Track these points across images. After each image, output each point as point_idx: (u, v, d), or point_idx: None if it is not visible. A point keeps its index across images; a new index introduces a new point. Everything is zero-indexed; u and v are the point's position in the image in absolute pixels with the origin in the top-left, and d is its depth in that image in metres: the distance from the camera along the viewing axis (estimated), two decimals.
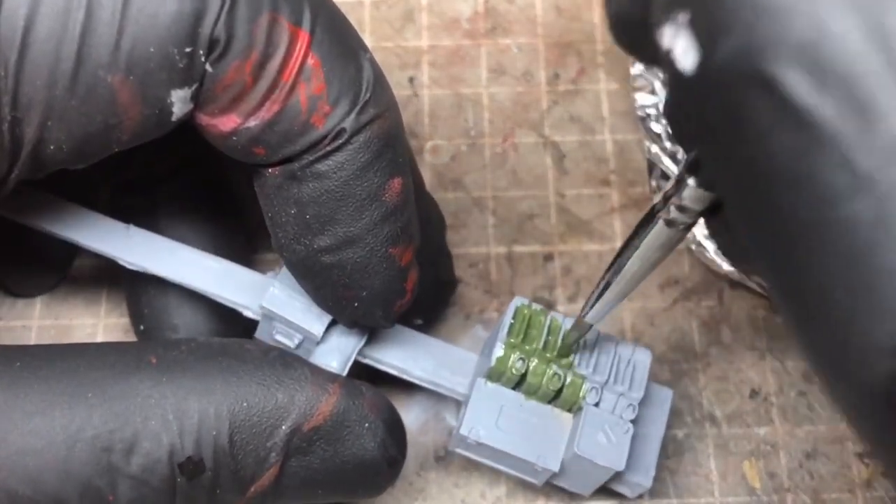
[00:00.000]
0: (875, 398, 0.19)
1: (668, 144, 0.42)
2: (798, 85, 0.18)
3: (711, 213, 0.27)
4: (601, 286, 0.32)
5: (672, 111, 0.23)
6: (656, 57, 0.22)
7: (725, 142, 0.20)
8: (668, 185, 0.28)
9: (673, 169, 0.42)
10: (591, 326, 0.33)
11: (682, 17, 0.20)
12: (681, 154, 0.42)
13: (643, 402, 0.35)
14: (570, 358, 0.35)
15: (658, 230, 0.28)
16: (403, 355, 0.36)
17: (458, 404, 0.38)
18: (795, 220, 0.19)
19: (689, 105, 0.21)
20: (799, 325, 0.20)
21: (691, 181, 0.26)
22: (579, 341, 0.35)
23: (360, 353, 0.35)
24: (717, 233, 0.28)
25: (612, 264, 0.31)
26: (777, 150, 0.19)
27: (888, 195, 0.18)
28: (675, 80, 0.21)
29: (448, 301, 0.42)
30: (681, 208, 0.27)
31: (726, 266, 0.41)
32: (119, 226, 0.35)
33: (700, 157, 0.25)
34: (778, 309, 0.21)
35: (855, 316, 0.18)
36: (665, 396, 0.37)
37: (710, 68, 0.20)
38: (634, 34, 0.23)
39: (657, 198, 0.28)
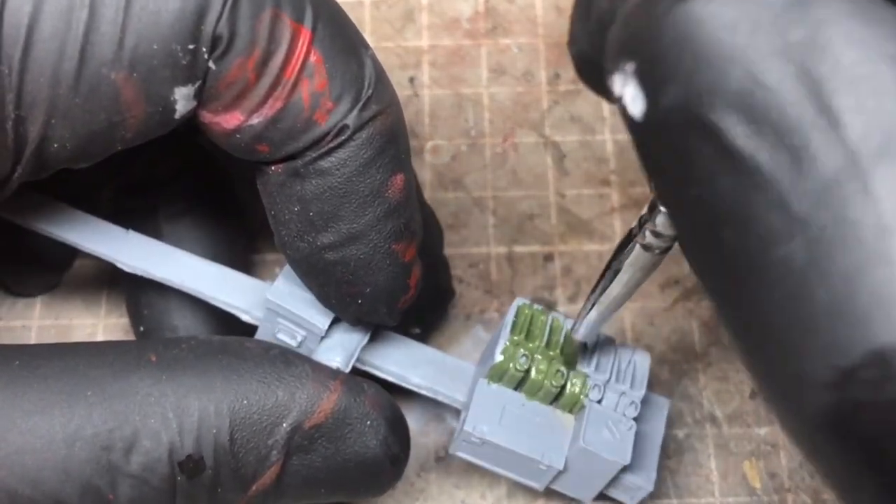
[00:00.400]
0: (816, 428, 0.19)
1: None
2: (736, 131, 0.19)
3: None
4: (588, 307, 0.32)
5: (634, 147, 0.24)
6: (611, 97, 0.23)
7: (674, 182, 0.21)
8: (643, 211, 0.28)
9: None
10: (582, 343, 0.34)
11: (629, 66, 0.21)
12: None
13: (642, 413, 0.35)
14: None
15: (636, 254, 0.29)
16: (402, 363, 0.36)
17: (458, 409, 0.38)
18: (738, 258, 0.20)
19: (639, 147, 0.22)
20: (747, 358, 0.21)
21: (662, 208, 0.27)
22: (578, 352, 0.35)
23: (359, 360, 0.35)
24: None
25: (595, 286, 0.32)
26: (720, 192, 0.20)
27: (819, 237, 0.18)
28: (627, 124, 0.22)
29: (446, 310, 0.42)
30: (655, 233, 0.28)
31: None
32: (118, 230, 0.35)
33: (654, 192, 0.26)
34: (729, 340, 0.22)
35: (795, 351, 0.19)
36: (662, 404, 0.37)
37: (656, 114, 0.21)
38: (594, 75, 0.24)
39: (634, 223, 0.29)
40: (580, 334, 0.33)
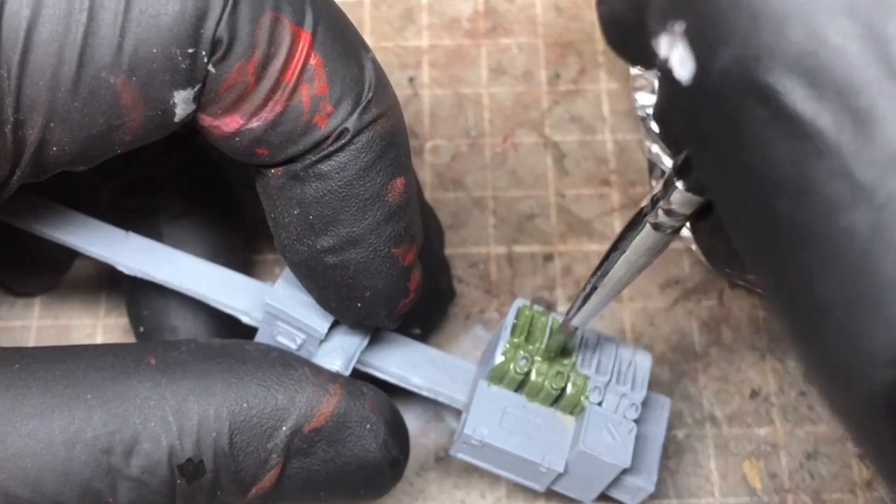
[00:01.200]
0: (874, 408, 0.19)
1: None
2: (796, 95, 0.18)
3: (698, 218, 0.27)
4: (587, 290, 0.31)
5: (664, 115, 0.23)
6: (649, 60, 0.22)
7: (722, 150, 0.20)
8: (657, 188, 0.27)
9: None
10: (576, 330, 0.33)
11: (679, 27, 0.20)
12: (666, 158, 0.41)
13: (643, 413, 0.35)
14: (573, 358, 0.35)
15: (645, 234, 0.28)
16: (402, 364, 0.36)
17: (458, 410, 0.38)
18: (793, 229, 0.19)
19: (684, 112, 0.21)
20: (797, 334, 0.20)
21: (679, 184, 0.26)
22: (568, 344, 0.35)
23: (359, 361, 0.35)
24: (702, 237, 0.28)
25: (598, 268, 0.31)
26: (775, 160, 0.19)
27: (886, 206, 0.18)
28: (671, 88, 0.21)
29: (446, 310, 0.42)
30: (668, 212, 0.27)
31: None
32: (118, 232, 0.35)
33: (694, 162, 0.25)
34: (775, 315, 0.21)
35: (854, 326, 0.18)
36: (663, 404, 0.37)
37: (707, 78, 0.20)
38: (627, 37, 0.23)
39: (645, 201, 0.28)
40: (576, 320, 0.32)
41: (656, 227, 0.28)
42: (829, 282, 0.18)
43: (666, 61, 0.21)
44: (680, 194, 0.26)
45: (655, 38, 0.21)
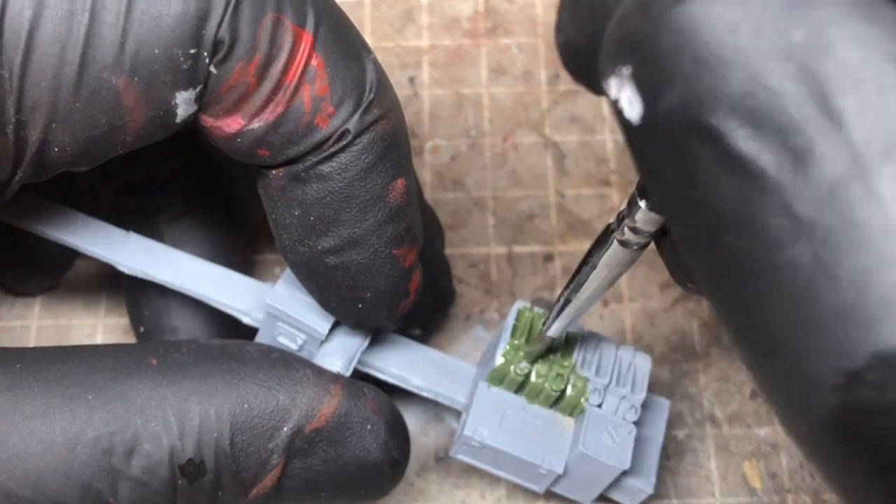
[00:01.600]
0: (822, 432, 0.19)
1: None
2: (738, 135, 0.19)
3: (662, 234, 0.28)
4: (560, 302, 0.32)
5: (626, 147, 0.24)
6: (603, 94, 0.22)
7: (672, 186, 0.21)
8: (622, 207, 0.28)
9: None
10: (553, 340, 0.34)
11: (626, 70, 0.21)
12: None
13: (642, 416, 0.35)
14: (573, 360, 0.35)
15: (613, 250, 0.29)
16: (403, 365, 0.36)
17: (458, 411, 0.38)
18: (741, 262, 0.20)
19: (636, 150, 0.22)
20: (750, 361, 0.21)
21: (642, 204, 0.27)
22: (544, 349, 0.35)
23: (360, 362, 0.35)
24: (666, 253, 0.29)
25: (570, 281, 0.31)
26: (721, 196, 0.19)
27: (825, 239, 0.18)
28: (623, 127, 0.21)
29: (446, 312, 0.42)
30: (634, 229, 0.28)
31: None
32: (119, 232, 0.35)
33: (649, 194, 0.26)
34: (729, 340, 0.22)
35: (801, 354, 0.19)
36: (662, 406, 0.37)
37: (654, 119, 0.20)
38: (582, 65, 0.24)
39: (612, 217, 0.29)
40: (552, 331, 0.33)
41: (623, 243, 0.29)
42: (774, 312, 0.19)
43: (616, 102, 0.21)
44: (643, 213, 0.27)
45: (605, 80, 0.22)
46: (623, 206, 0.28)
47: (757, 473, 0.40)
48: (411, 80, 0.46)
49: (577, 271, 0.31)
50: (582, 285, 0.31)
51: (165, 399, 0.29)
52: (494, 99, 0.46)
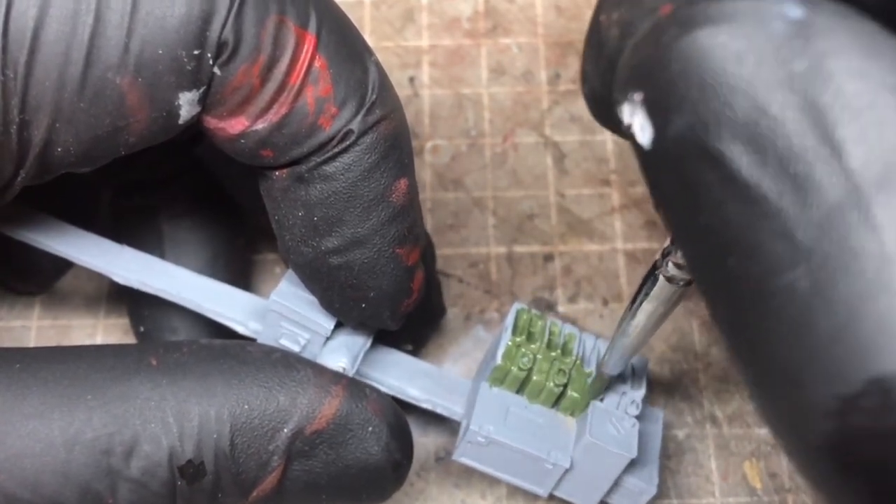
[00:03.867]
0: (818, 455, 0.19)
1: None
2: (742, 161, 0.19)
3: None
4: (617, 337, 0.33)
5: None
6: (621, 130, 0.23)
7: (681, 210, 0.21)
8: (666, 243, 0.29)
9: None
10: (611, 377, 0.34)
11: (637, 96, 0.21)
12: None
13: (639, 417, 0.35)
14: (573, 357, 0.35)
15: (660, 286, 0.29)
16: (401, 376, 0.36)
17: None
18: (744, 286, 0.20)
19: (648, 176, 0.22)
20: (751, 386, 0.21)
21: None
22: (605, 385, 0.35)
23: (359, 373, 0.35)
24: None
25: (622, 319, 0.32)
26: (726, 221, 0.20)
27: (822, 265, 0.18)
28: (637, 153, 0.22)
29: (436, 327, 0.42)
30: (677, 265, 0.28)
31: None
32: (113, 245, 0.35)
33: (662, 220, 0.27)
34: (732, 364, 0.23)
35: (798, 378, 0.19)
36: (658, 416, 0.37)
37: (663, 144, 0.21)
38: (605, 111, 0.25)
39: (658, 255, 0.29)
40: (609, 367, 0.34)
41: (669, 279, 0.29)
42: (773, 336, 0.19)
43: (629, 128, 0.22)
44: None
45: (619, 107, 0.22)
46: (667, 243, 0.28)
47: (757, 473, 0.40)
48: (411, 80, 0.46)
49: (628, 309, 0.31)
50: (633, 320, 0.31)
51: (165, 400, 0.29)
52: (494, 99, 0.46)
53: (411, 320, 0.34)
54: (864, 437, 0.18)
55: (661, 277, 0.29)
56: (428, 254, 0.40)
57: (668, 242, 0.28)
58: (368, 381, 0.35)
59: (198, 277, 0.35)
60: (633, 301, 0.31)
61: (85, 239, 0.35)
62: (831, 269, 0.18)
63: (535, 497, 0.39)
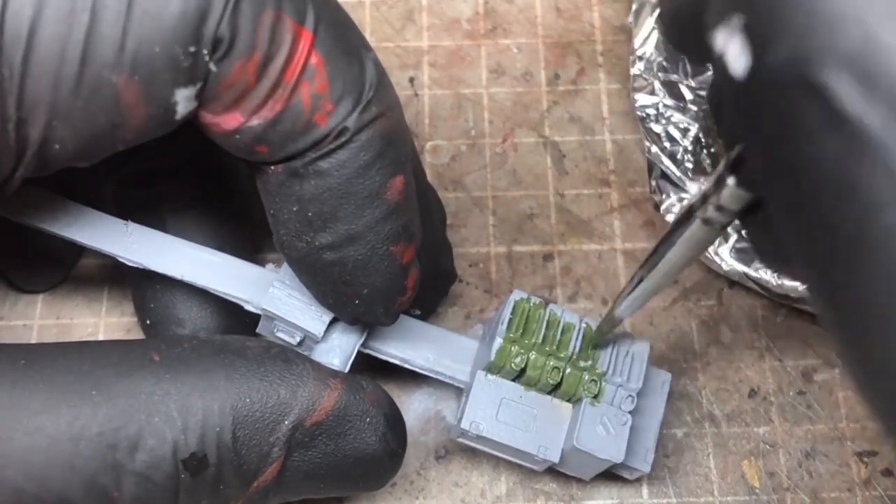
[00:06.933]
0: None
1: (667, 145, 0.42)
2: (847, 93, 0.18)
3: (748, 214, 0.27)
4: (634, 281, 0.32)
5: (719, 110, 0.23)
6: (706, 56, 0.22)
7: (774, 145, 0.20)
8: (708, 184, 0.27)
9: (673, 169, 0.42)
10: (621, 321, 0.34)
11: (737, 21, 0.20)
12: (697, 158, 0.42)
13: (642, 389, 0.36)
14: (569, 351, 0.35)
15: (694, 228, 0.28)
16: (404, 345, 0.36)
17: (458, 398, 0.39)
18: (840, 226, 0.19)
19: (737, 107, 0.21)
20: (842, 334, 0.20)
21: (731, 180, 0.26)
22: (609, 332, 0.35)
23: (361, 343, 0.35)
24: (753, 233, 0.28)
25: (646, 261, 0.31)
26: (825, 157, 0.19)
27: None
28: (726, 83, 0.21)
29: (447, 292, 0.42)
30: (719, 207, 0.27)
31: (726, 266, 0.41)
32: (118, 223, 0.35)
33: (746, 156, 0.25)
34: (819, 315, 0.22)
35: None
36: (664, 379, 0.37)
37: (761, 73, 0.20)
38: (686, 31, 0.24)
39: (694, 198, 0.28)
40: (621, 310, 0.33)
41: (706, 221, 0.28)
42: (872, 280, 0.19)
43: (722, 55, 0.21)
44: (731, 189, 0.26)
45: (712, 32, 0.21)
46: (708, 185, 0.27)
47: (755, 472, 0.40)
48: (411, 80, 0.47)
49: (655, 250, 0.30)
50: (657, 264, 0.30)
51: (168, 394, 0.29)
52: (494, 99, 0.46)
53: (421, 285, 0.34)
54: None
55: (697, 220, 0.28)
56: (437, 217, 0.40)
57: (708, 185, 0.27)
58: (371, 352, 0.36)
59: (205, 252, 0.35)
60: (662, 242, 0.30)
61: (89, 217, 0.35)
62: None
63: (535, 495, 0.39)
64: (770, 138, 0.20)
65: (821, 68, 0.19)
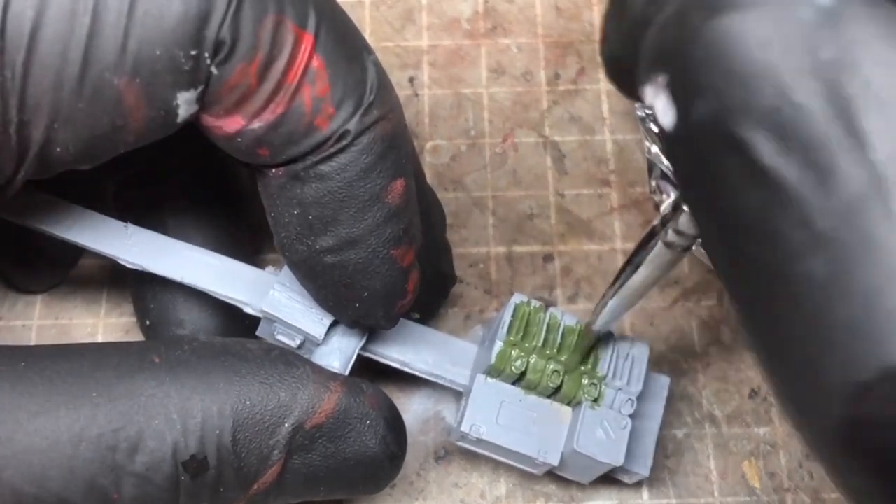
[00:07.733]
0: (831, 439, 0.20)
1: None
2: (764, 148, 0.19)
3: None
4: (607, 299, 0.33)
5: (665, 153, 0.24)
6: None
7: (703, 194, 0.21)
8: (666, 210, 0.29)
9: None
10: (598, 334, 0.35)
11: (662, 79, 0.21)
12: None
13: (641, 393, 0.36)
14: (570, 354, 0.36)
15: (657, 251, 0.30)
16: (404, 349, 0.36)
17: (458, 400, 0.39)
18: (763, 271, 0.20)
19: (669, 156, 0.22)
20: (767, 368, 0.21)
21: (686, 208, 0.27)
22: (592, 347, 0.36)
23: (361, 346, 0.35)
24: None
25: (614, 282, 0.32)
26: (746, 206, 0.20)
27: (841, 254, 0.19)
28: (660, 133, 0.22)
29: (447, 295, 0.42)
30: (678, 232, 0.28)
31: None
32: (118, 225, 0.35)
33: (681, 199, 0.27)
34: (748, 345, 0.23)
35: (814, 364, 0.19)
36: (663, 384, 0.38)
37: (686, 127, 0.21)
38: (624, 77, 0.25)
39: (657, 220, 0.29)
40: (597, 325, 0.34)
41: (667, 245, 0.29)
42: (791, 322, 0.20)
43: (651, 109, 0.22)
44: (688, 216, 0.28)
45: (642, 87, 0.22)
46: (667, 209, 0.29)
47: (756, 473, 0.40)
48: (411, 80, 0.47)
49: (622, 270, 0.31)
50: (625, 284, 0.31)
51: (168, 396, 0.29)
52: (494, 99, 0.46)
53: (421, 287, 0.34)
54: (875, 423, 0.19)
55: (659, 243, 0.29)
56: (437, 219, 0.40)
57: (667, 209, 0.29)
58: (371, 356, 0.36)
59: (205, 255, 0.35)
60: (628, 263, 0.31)
61: (89, 220, 0.35)
62: (849, 259, 0.18)
63: (534, 496, 0.39)
64: (700, 186, 0.21)
65: (739, 125, 0.20)
